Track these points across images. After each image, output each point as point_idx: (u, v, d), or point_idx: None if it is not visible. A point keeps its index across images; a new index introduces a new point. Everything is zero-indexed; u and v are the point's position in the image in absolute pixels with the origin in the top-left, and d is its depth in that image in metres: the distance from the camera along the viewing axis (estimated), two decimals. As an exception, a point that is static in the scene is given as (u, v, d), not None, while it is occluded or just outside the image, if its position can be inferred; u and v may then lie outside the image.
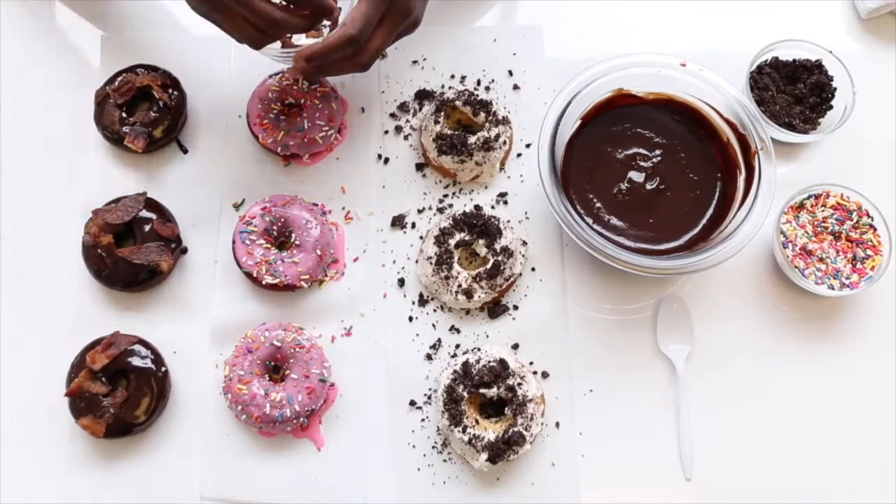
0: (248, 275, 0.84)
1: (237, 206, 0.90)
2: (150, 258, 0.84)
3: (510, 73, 0.95)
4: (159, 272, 0.85)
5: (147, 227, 0.85)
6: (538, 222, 0.90)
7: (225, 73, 0.95)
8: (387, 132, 0.93)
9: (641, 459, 0.82)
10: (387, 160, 0.92)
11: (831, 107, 0.92)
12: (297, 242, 0.85)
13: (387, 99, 0.94)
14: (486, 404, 0.81)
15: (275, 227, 0.85)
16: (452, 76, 0.95)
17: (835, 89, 0.92)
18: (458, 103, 0.89)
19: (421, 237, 0.89)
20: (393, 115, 0.94)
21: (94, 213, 0.85)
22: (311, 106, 0.89)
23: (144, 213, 0.86)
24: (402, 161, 0.92)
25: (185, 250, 0.89)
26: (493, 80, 0.95)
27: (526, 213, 0.90)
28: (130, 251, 0.84)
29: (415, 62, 0.96)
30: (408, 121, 0.94)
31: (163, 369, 0.82)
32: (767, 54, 0.93)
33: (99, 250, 0.84)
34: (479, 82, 0.95)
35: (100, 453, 0.82)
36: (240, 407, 0.79)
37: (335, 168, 0.92)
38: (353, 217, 0.90)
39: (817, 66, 0.93)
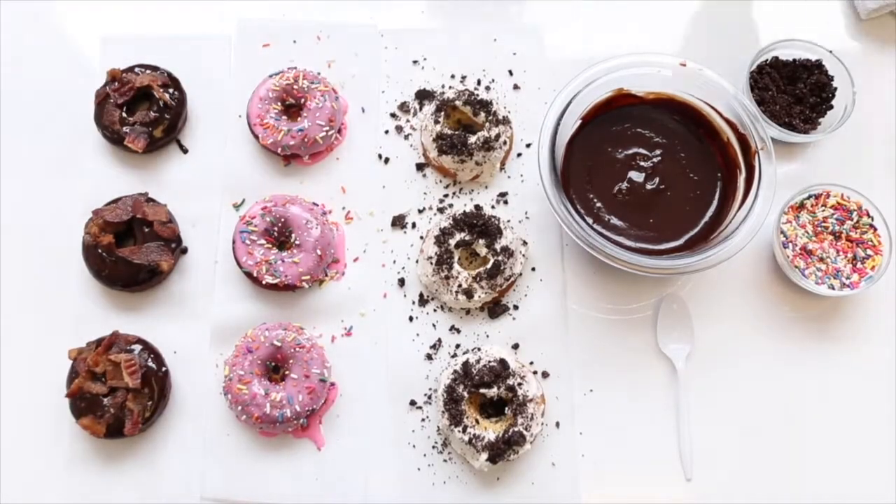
0: (249, 275, 0.84)
1: (237, 206, 0.90)
2: (150, 258, 0.84)
3: (510, 73, 0.95)
4: (159, 272, 0.85)
5: (147, 228, 0.85)
6: (538, 222, 0.90)
7: (225, 73, 0.95)
8: (387, 132, 0.93)
9: (641, 459, 0.82)
10: (387, 160, 0.92)
11: (831, 107, 0.92)
12: (297, 242, 0.85)
13: (387, 99, 0.94)
14: (487, 404, 0.81)
15: (275, 228, 0.85)
16: (452, 76, 0.95)
17: (835, 89, 0.92)
18: (458, 103, 0.89)
19: (421, 237, 0.89)
20: (393, 115, 0.94)
21: (95, 213, 0.85)
22: (311, 106, 0.89)
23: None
24: (402, 161, 0.92)
25: (185, 250, 0.89)
26: (493, 80, 0.95)
27: (526, 213, 0.90)
28: (130, 251, 0.84)
29: (415, 62, 0.96)
30: (408, 121, 0.94)
31: (163, 369, 0.82)
32: (767, 54, 0.93)
33: (99, 250, 0.84)
34: (479, 82, 0.95)
35: (100, 453, 0.82)
36: (240, 407, 0.79)
37: (335, 168, 0.92)
38: (354, 217, 0.90)
39: (817, 66, 0.93)
